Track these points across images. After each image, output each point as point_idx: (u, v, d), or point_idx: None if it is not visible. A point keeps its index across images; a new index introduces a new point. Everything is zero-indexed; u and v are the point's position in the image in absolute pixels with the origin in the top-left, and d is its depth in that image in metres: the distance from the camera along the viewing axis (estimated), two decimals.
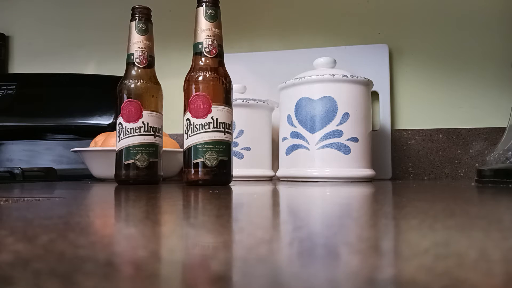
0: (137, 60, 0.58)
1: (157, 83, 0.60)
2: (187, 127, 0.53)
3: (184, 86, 0.55)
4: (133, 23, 0.58)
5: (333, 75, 0.70)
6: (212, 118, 0.52)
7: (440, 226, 0.17)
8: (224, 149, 0.53)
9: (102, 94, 0.96)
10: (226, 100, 0.54)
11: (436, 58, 0.93)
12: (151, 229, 0.17)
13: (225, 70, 0.55)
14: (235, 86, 0.84)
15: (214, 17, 0.54)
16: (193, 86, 0.53)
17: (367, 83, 0.72)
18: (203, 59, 0.54)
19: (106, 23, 1.13)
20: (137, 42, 0.58)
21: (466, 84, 0.92)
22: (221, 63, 0.55)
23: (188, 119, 0.53)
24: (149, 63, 0.59)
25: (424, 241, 0.14)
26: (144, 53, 0.58)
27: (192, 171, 0.52)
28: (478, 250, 0.12)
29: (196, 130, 0.52)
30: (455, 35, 0.93)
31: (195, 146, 0.52)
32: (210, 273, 0.10)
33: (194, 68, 0.54)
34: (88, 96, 0.97)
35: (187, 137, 0.53)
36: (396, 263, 0.11)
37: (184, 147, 0.54)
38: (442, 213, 0.22)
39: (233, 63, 0.93)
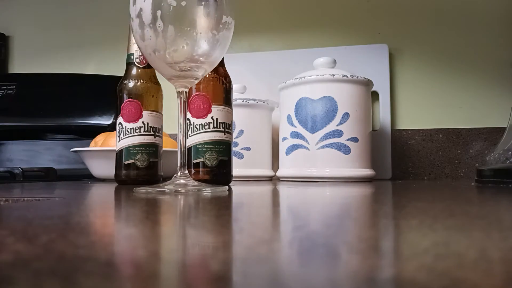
0: (137, 60, 0.58)
1: (157, 83, 0.60)
2: (187, 127, 0.53)
3: None
4: None
5: (333, 75, 0.70)
6: (212, 118, 0.52)
7: (440, 226, 0.17)
8: (224, 149, 0.53)
9: (102, 94, 0.96)
10: (226, 100, 0.54)
11: (436, 58, 0.93)
12: (151, 229, 0.17)
13: (225, 70, 0.55)
14: (235, 86, 0.84)
15: None
16: (193, 86, 0.53)
17: (367, 83, 0.72)
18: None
19: (106, 23, 1.13)
20: None
21: (466, 84, 0.92)
22: (221, 63, 0.55)
23: (188, 119, 0.53)
24: (149, 63, 0.59)
25: (424, 241, 0.14)
26: None
27: (192, 171, 0.52)
28: (478, 250, 0.12)
29: (196, 130, 0.52)
30: (455, 35, 0.93)
31: (195, 146, 0.52)
32: (210, 273, 0.10)
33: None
34: (88, 96, 0.97)
35: (187, 137, 0.53)
36: (396, 263, 0.11)
37: None
38: (442, 213, 0.22)
39: (233, 63, 0.93)
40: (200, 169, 0.52)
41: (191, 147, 0.53)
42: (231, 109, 0.55)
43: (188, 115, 0.53)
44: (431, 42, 0.94)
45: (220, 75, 0.54)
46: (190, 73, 0.40)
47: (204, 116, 0.52)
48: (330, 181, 0.68)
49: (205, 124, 0.52)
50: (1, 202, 0.31)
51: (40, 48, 1.17)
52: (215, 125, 0.52)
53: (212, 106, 0.52)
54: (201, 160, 0.52)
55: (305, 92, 0.71)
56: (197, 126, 0.52)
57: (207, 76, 0.53)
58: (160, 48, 0.37)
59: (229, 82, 0.55)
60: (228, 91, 0.54)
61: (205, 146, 0.52)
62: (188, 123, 0.53)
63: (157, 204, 0.28)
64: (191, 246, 0.14)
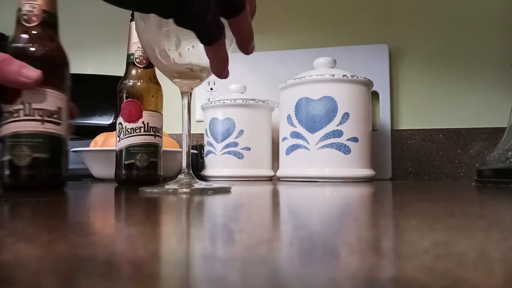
0: (137, 60, 0.58)
1: (157, 83, 0.60)
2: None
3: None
4: (133, 23, 0.58)
5: (333, 75, 0.70)
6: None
7: (440, 226, 0.17)
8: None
9: (102, 94, 0.96)
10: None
11: (436, 58, 0.93)
12: (151, 229, 0.17)
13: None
14: (235, 86, 0.84)
15: None
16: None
17: (367, 83, 0.72)
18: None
19: (106, 23, 1.13)
20: (137, 42, 0.58)
21: (466, 84, 0.92)
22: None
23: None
24: (149, 63, 0.59)
25: (424, 241, 0.14)
26: (144, 53, 0.58)
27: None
28: (478, 250, 0.12)
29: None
30: (455, 35, 0.93)
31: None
32: (210, 273, 0.10)
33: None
34: (88, 96, 0.97)
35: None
36: (396, 263, 0.11)
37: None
38: (442, 213, 0.22)
39: (233, 63, 0.93)
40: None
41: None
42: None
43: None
44: (431, 42, 0.94)
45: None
46: (194, 74, 0.40)
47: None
48: (330, 181, 0.68)
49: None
50: (1, 202, 0.31)
51: None
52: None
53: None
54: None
55: (305, 92, 0.71)
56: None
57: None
58: (165, 50, 0.37)
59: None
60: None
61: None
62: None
63: (157, 204, 0.28)
64: (191, 246, 0.14)
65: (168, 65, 0.39)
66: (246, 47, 0.36)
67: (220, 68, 0.36)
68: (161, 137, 0.59)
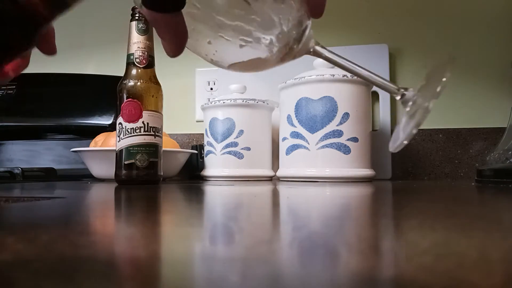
0: (137, 60, 0.58)
1: (157, 83, 0.60)
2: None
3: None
4: (133, 23, 0.58)
5: (333, 75, 0.70)
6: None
7: (440, 226, 0.17)
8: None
9: (102, 94, 0.96)
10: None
11: (436, 58, 0.93)
12: (151, 229, 0.17)
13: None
14: (235, 86, 0.84)
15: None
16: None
17: (367, 83, 0.72)
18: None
19: (106, 23, 1.13)
20: (137, 42, 0.58)
21: (466, 84, 0.92)
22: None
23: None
24: (149, 63, 0.59)
25: (424, 241, 0.14)
26: (144, 53, 0.58)
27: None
28: (478, 250, 0.12)
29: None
30: (455, 35, 0.93)
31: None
32: (210, 273, 0.10)
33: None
34: (88, 96, 0.97)
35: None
36: (396, 263, 0.11)
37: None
38: (442, 213, 0.22)
39: None
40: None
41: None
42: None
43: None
44: (431, 42, 0.94)
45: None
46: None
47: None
48: (330, 181, 0.68)
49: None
50: (1, 202, 0.31)
51: None
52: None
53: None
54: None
55: (305, 92, 0.71)
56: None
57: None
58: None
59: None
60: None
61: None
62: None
63: (157, 204, 0.28)
64: (191, 246, 0.14)
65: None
66: (320, 9, 0.29)
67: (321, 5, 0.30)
68: (161, 137, 0.59)
